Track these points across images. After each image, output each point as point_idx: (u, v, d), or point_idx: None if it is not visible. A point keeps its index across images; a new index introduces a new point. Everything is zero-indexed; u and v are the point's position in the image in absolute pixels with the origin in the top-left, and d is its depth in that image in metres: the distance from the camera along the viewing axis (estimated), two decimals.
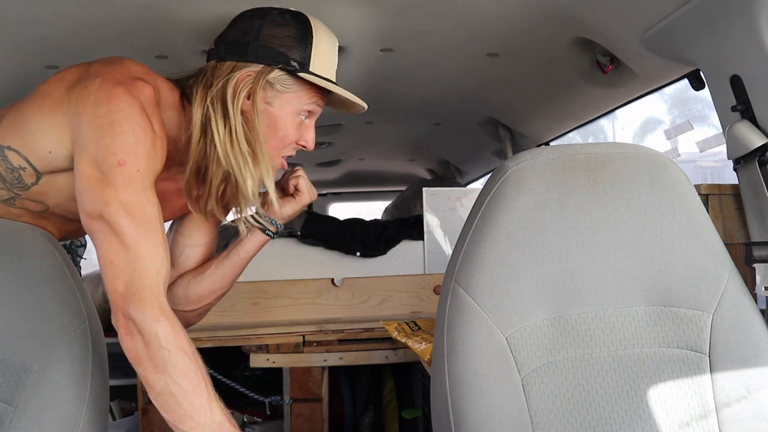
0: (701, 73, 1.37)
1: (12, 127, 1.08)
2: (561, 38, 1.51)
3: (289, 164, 1.20)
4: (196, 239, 1.25)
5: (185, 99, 1.11)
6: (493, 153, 2.66)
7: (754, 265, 1.20)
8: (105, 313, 2.30)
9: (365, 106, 1.17)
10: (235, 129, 1.05)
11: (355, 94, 1.16)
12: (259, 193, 1.11)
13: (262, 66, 1.07)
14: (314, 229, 2.01)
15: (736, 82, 1.19)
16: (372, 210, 4.33)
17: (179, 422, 0.92)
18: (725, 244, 1.02)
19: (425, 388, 1.64)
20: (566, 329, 0.97)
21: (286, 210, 1.21)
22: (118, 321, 0.94)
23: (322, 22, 1.15)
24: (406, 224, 2.16)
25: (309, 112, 1.13)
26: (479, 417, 0.92)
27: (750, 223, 1.25)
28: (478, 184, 3.35)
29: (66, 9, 1.23)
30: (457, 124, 2.50)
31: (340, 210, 4.30)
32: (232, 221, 1.18)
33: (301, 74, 1.08)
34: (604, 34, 1.44)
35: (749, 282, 1.13)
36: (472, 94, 2.04)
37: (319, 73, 1.10)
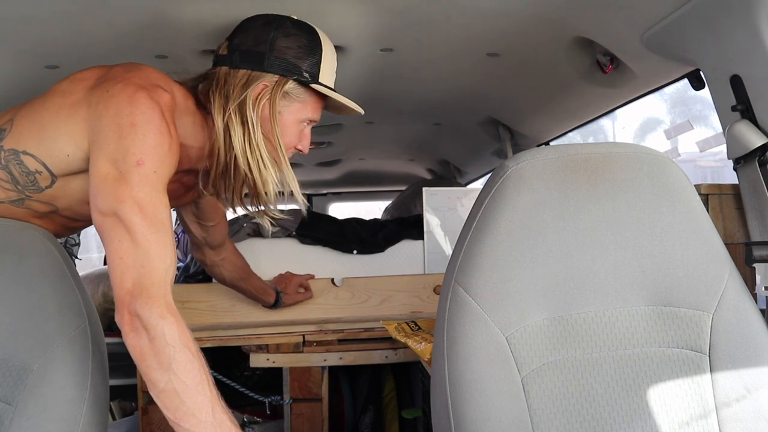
0: (701, 73, 1.37)
1: (28, 132, 1.09)
2: (561, 38, 1.50)
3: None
4: (213, 219, 1.48)
5: (200, 106, 1.16)
6: (493, 153, 2.65)
7: (754, 265, 1.20)
8: (105, 313, 2.32)
9: (362, 111, 1.24)
10: (255, 137, 1.12)
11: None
12: (280, 193, 1.20)
13: (278, 77, 1.13)
14: (310, 228, 2.01)
15: (736, 82, 1.19)
16: (372, 210, 4.33)
17: (181, 420, 0.92)
18: (725, 244, 1.02)
19: (425, 388, 1.64)
20: (566, 329, 0.97)
21: (287, 300, 1.82)
22: (123, 318, 0.94)
23: (322, 29, 1.21)
24: (405, 223, 2.17)
25: (311, 120, 1.19)
26: (479, 417, 0.92)
27: (750, 223, 1.25)
28: (478, 184, 3.35)
29: (66, 9, 1.23)
30: (457, 124, 2.50)
31: (340, 210, 4.30)
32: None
33: (313, 85, 1.15)
34: (604, 34, 1.44)
35: (749, 282, 1.13)
36: (472, 94, 2.03)
37: (325, 83, 1.17)
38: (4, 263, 1.06)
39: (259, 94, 1.12)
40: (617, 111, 1.91)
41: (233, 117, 1.11)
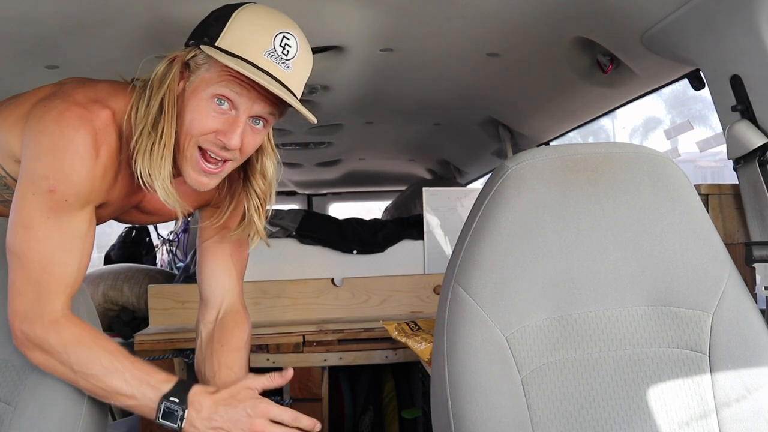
0: (701, 73, 1.37)
1: None
2: (561, 38, 1.50)
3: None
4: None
5: None
6: (493, 153, 2.66)
7: (754, 265, 1.20)
8: (105, 313, 2.30)
9: (303, 110, 1.00)
10: (150, 112, 0.98)
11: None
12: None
13: (186, 50, 1.01)
14: (310, 228, 2.01)
15: (736, 82, 1.19)
16: (372, 210, 4.34)
17: (113, 399, 0.98)
18: (725, 244, 1.02)
19: (425, 388, 1.64)
20: (566, 329, 0.97)
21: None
22: (16, 339, 0.98)
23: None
24: (405, 223, 2.17)
25: (225, 97, 0.97)
26: (479, 417, 0.92)
27: (750, 223, 1.25)
28: (478, 184, 3.35)
29: (66, 9, 1.23)
30: (457, 124, 2.50)
31: (340, 210, 4.30)
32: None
33: (203, 47, 0.97)
34: (604, 34, 1.44)
35: (749, 282, 1.13)
36: (472, 94, 2.03)
37: (235, 52, 0.95)
38: (3, 263, 1.06)
39: (166, 69, 0.99)
40: (617, 111, 1.91)
41: (137, 96, 1.01)
